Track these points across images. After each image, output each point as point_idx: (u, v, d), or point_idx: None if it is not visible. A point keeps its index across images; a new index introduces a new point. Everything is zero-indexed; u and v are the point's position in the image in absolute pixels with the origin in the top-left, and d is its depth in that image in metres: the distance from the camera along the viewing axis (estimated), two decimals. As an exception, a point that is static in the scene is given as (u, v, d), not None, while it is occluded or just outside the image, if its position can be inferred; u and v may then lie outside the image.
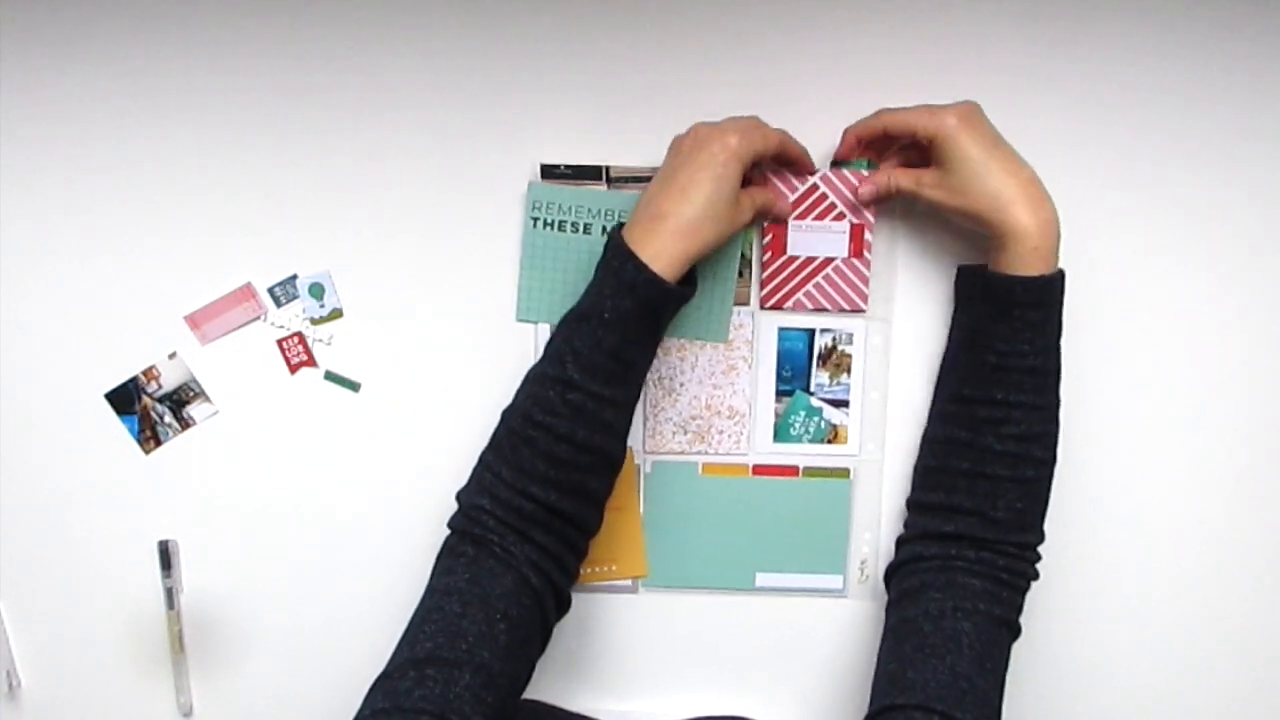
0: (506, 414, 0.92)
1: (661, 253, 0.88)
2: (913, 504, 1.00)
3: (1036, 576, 0.94)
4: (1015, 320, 0.90)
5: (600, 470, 0.92)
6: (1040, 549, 0.94)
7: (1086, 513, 1.03)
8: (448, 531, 0.92)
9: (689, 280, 0.93)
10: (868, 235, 0.99)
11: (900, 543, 0.99)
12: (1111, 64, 0.97)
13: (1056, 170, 0.94)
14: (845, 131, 0.96)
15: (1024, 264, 0.89)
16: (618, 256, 0.89)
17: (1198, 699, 1.07)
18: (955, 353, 0.98)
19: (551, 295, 1.01)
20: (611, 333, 0.88)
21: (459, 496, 0.92)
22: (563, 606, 0.93)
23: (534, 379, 0.91)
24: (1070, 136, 0.98)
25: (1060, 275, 0.91)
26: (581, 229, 1.00)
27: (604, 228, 0.99)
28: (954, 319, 1.00)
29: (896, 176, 0.95)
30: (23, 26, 0.97)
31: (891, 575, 0.98)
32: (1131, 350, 1.01)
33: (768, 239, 1.00)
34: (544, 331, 1.01)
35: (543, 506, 0.89)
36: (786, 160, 0.97)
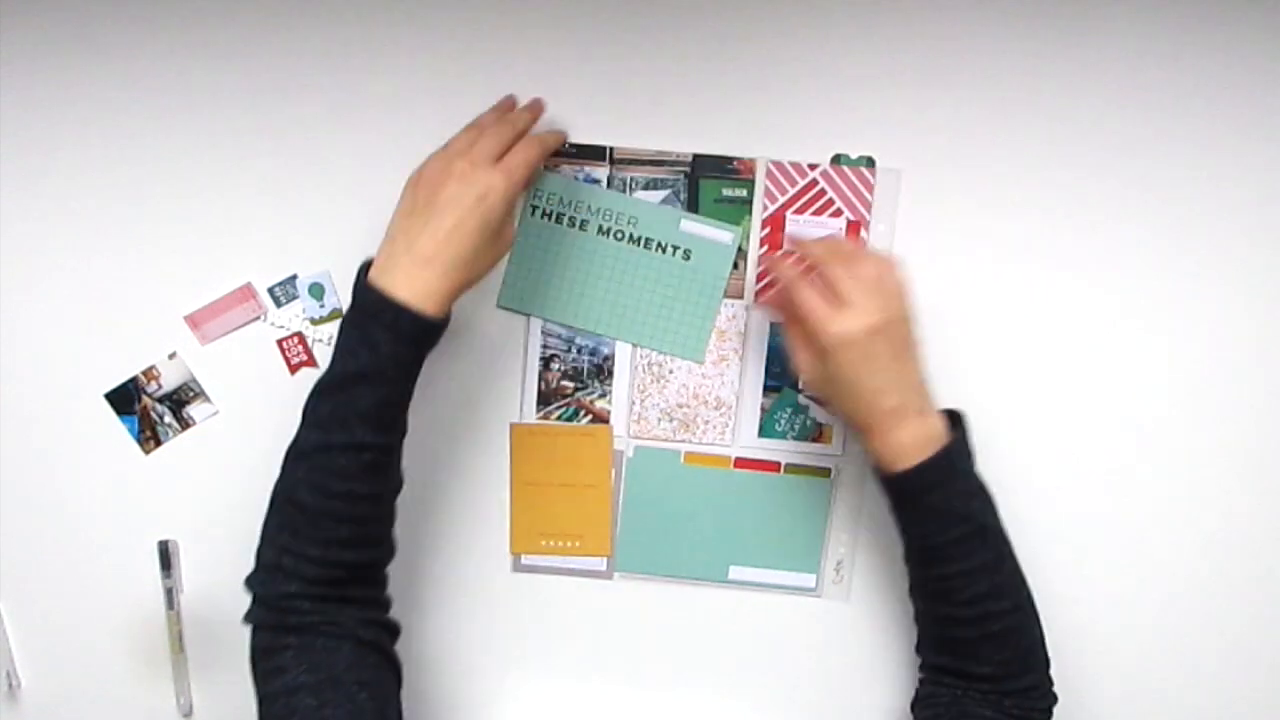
0: (288, 492, 0.88)
1: (433, 294, 0.87)
2: (919, 647, 0.99)
3: (1055, 701, 0.94)
4: (916, 507, 0.91)
5: (391, 507, 0.93)
6: (1053, 675, 0.94)
7: (1084, 516, 1.04)
8: (250, 630, 0.89)
9: None
10: (864, 233, 1.00)
11: (920, 682, 0.99)
12: (1111, 64, 0.98)
13: (1056, 168, 0.96)
14: (790, 240, 0.99)
15: (891, 463, 0.90)
16: (387, 311, 0.86)
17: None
18: (899, 529, 0.96)
19: (535, 286, 1.02)
20: (395, 386, 0.89)
21: (252, 587, 0.89)
22: (395, 634, 0.93)
23: (313, 451, 0.88)
24: (1069, 136, 0.99)
25: (944, 452, 0.89)
26: (578, 225, 1.01)
27: (600, 227, 1.00)
28: None
29: (794, 338, 0.93)
30: (23, 26, 0.97)
31: (913, 708, 0.98)
32: (1131, 350, 1.02)
33: (764, 232, 1.00)
34: (535, 324, 1.02)
35: (354, 567, 0.89)
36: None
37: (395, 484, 0.93)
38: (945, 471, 0.89)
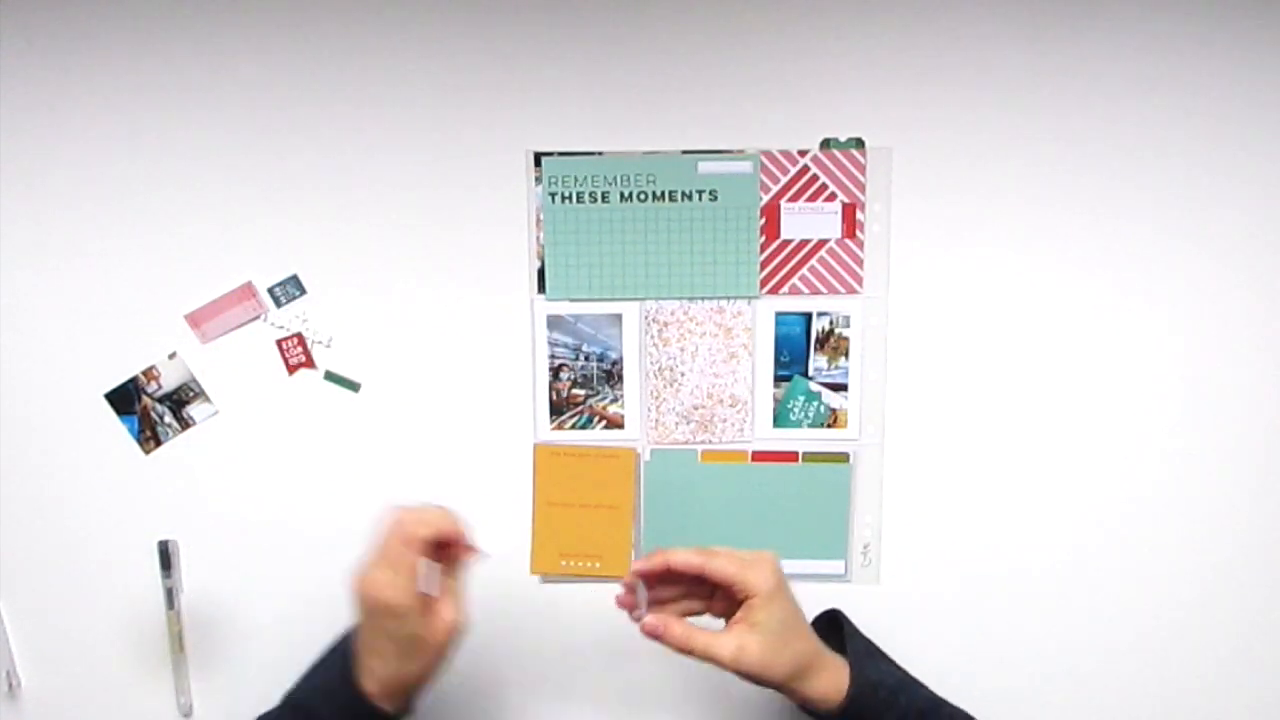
0: None
1: (382, 689, 0.86)
2: None
3: None
4: None
5: None
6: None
7: (1088, 511, 1.04)
8: None
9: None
10: (859, 215, 1.00)
11: None
12: (1111, 63, 0.98)
13: (1053, 169, 0.97)
14: (658, 553, 0.92)
15: (826, 705, 0.90)
16: (347, 678, 0.87)
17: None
18: None
19: (577, 269, 1.02)
20: None
21: None
22: None
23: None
24: (1058, 106, 0.99)
25: (854, 680, 0.90)
26: (600, 198, 1.01)
27: (622, 194, 1.01)
28: None
29: (696, 639, 0.89)
30: (23, 26, 0.99)
31: None
32: (1134, 346, 1.02)
33: (762, 222, 1.00)
34: (559, 307, 1.02)
35: None
36: (449, 541, 0.90)
37: None
38: (865, 698, 0.90)
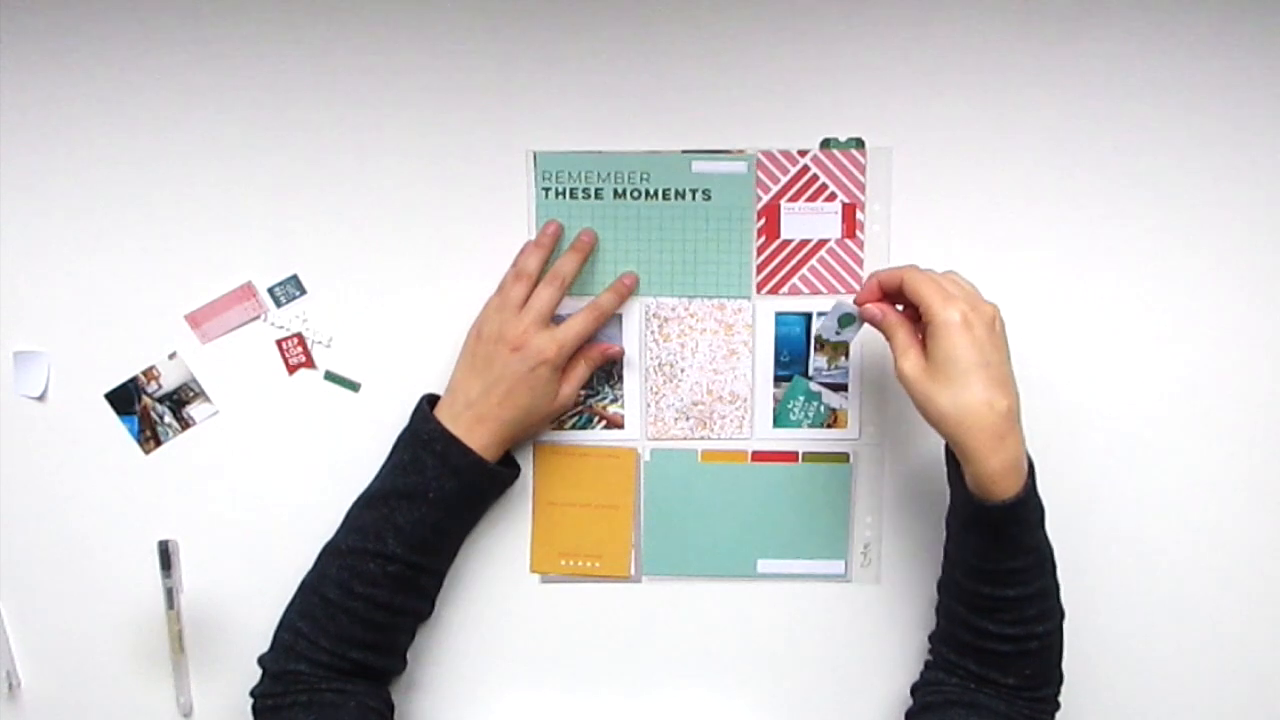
0: (315, 583, 0.96)
1: (486, 446, 0.95)
2: (934, 639, 0.98)
3: (1058, 708, 0.94)
4: (995, 536, 0.87)
5: (411, 627, 1.00)
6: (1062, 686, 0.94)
7: (1088, 512, 1.04)
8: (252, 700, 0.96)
9: (511, 460, 1.02)
10: (859, 215, 1.00)
11: (926, 666, 0.98)
12: (1111, 63, 0.99)
13: (1053, 169, 0.97)
14: (871, 275, 0.92)
15: (988, 489, 0.85)
16: (439, 440, 0.94)
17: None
18: (950, 533, 0.95)
19: None
20: (435, 510, 0.95)
21: (265, 664, 0.96)
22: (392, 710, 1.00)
23: (348, 551, 0.95)
24: (1067, 135, 0.99)
25: (1032, 485, 0.87)
26: (593, 195, 1.01)
27: (615, 191, 1.01)
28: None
29: (899, 334, 0.89)
30: (23, 26, 0.99)
31: (915, 691, 0.97)
32: (1135, 348, 1.02)
33: (761, 223, 1.00)
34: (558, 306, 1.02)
35: (360, 665, 0.95)
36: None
37: (418, 607, 0.99)
38: (1032, 507, 0.88)
